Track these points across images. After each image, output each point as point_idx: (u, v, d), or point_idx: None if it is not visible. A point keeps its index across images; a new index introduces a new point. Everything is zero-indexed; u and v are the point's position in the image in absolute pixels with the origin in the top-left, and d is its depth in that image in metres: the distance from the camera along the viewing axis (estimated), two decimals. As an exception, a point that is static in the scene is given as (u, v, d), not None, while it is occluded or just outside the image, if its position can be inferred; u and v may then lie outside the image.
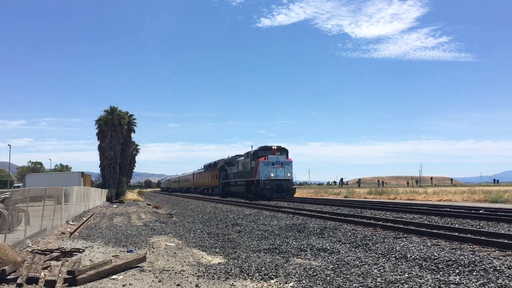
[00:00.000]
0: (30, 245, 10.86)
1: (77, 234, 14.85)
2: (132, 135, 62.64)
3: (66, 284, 6.99)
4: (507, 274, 6.84)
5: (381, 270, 7.75)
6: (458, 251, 8.90)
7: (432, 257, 8.46)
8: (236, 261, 9.05)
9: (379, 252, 9.66)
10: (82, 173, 46.24)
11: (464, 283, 6.62)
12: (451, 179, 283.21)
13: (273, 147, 38.11)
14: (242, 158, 44.14)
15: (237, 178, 45.14)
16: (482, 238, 10.22)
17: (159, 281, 7.28)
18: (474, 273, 7.14)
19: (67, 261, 8.91)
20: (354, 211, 19.26)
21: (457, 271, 7.43)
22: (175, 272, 7.99)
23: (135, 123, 62.11)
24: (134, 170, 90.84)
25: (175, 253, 10.45)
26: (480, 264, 7.59)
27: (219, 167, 54.50)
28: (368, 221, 15.17)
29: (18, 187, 49.08)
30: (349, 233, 12.43)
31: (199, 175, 69.93)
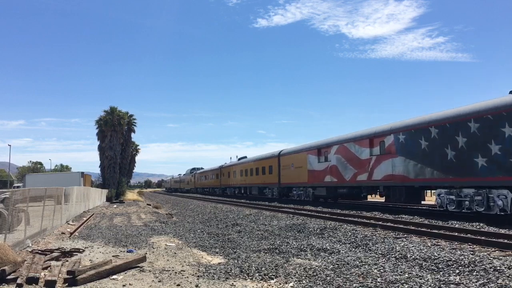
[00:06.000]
0: (30, 245, 10.86)
1: (77, 234, 14.85)
2: (132, 135, 62.78)
3: (66, 284, 6.99)
4: (507, 274, 6.84)
5: (381, 270, 7.74)
6: (458, 251, 8.90)
7: (432, 257, 8.45)
8: (236, 261, 9.04)
9: (379, 252, 9.66)
10: (82, 173, 46.26)
11: (464, 283, 6.62)
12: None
13: None
14: None
15: None
16: (482, 238, 10.22)
17: (159, 281, 7.28)
18: (474, 273, 7.14)
19: (67, 261, 8.90)
20: (354, 211, 19.26)
21: (457, 271, 7.42)
22: (175, 272, 7.99)
23: (135, 123, 62.19)
24: (134, 170, 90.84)
25: (175, 253, 10.44)
26: (480, 264, 7.58)
27: None
28: (368, 221, 15.16)
29: (18, 187, 49.10)
30: (349, 233, 12.42)
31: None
